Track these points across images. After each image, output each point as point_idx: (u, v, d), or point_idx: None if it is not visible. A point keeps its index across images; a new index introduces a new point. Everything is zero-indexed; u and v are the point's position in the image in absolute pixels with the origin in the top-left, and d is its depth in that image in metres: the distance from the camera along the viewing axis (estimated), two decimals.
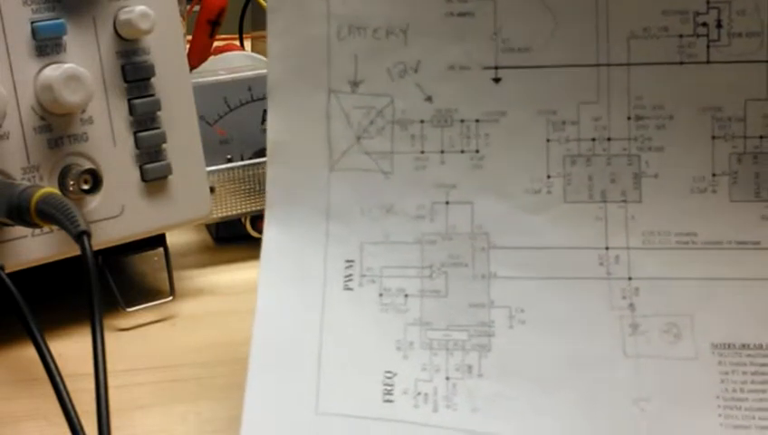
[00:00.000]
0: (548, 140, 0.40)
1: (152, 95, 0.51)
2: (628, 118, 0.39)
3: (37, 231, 0.48)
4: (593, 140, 0.40)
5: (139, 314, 0.53)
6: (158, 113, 0.52)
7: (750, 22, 0.38)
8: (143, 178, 0.51)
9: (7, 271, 0.44)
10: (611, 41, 0.39)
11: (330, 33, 0.40)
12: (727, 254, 0.39)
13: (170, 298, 0.54)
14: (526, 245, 0.40)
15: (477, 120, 0.40)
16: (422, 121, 0.40)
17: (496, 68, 0.40)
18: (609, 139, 0.39)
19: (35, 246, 0.48)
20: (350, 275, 0.40)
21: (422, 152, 0.40)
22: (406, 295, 0.40)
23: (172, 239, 0.56)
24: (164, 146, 0.52)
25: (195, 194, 0.53)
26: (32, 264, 0.49)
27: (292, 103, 0.41)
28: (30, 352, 0.39)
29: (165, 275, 0.55)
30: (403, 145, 0.40)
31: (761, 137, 0.39)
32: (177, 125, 0.52)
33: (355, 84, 0.40)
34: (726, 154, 0.39)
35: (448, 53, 0.40)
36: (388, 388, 0.38)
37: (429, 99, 0.40)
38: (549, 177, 0.40)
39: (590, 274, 0.39)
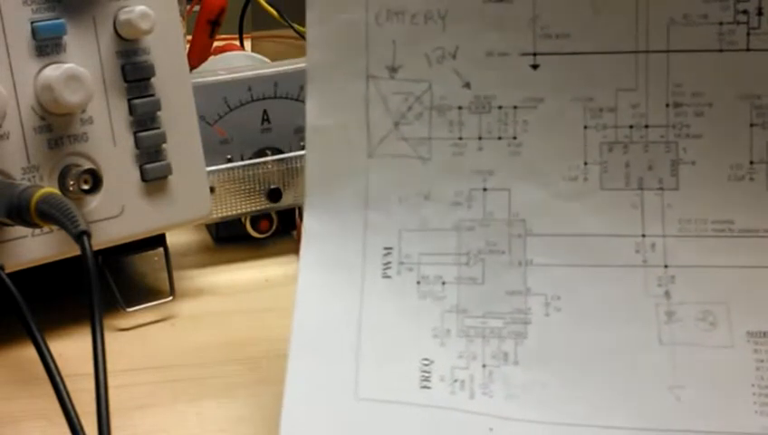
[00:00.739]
0: (585, 127, 0.40)
1: (152, 95, 0.51)
2: (667, 105, 0.39)
3: (37, 231, 0.48)
4: (631, 127, 0.40)
5: (139, 314, 0.53)
6: (158, 113, 0.52)
7: None
8: (143, 178, 0.51)
9: (7, 271, 0.44)
10: (651, 28, 0.39)
11: (368, 18, 0.40)
12: (764, 242, 0.39)
13: (170, 298, 0.54)
14: (563, 232, 0.40)
15: (515, 107, 0.40)
16: (460, 108, 0.40)
17: (534, 54, 0.40)
18: (646, 126, 0.40)
19: (35, 246, 0.48)
20: (389, 262, 0.40)
21: (460, 138, 0.41)
22: (443, 283, 0.40)
23: (172, 239, 0.56)
24: (164, 146, 0.52)
25: (195, 194, 0.53)
26: (32, 264, 0.49)
27: (331, 89, 0.41)
28: (30, 352, 0.39)
29: (165, 275, 0.55)
30: (441, 131, 0.41)
31: None
32: (177, 125, 0.52)
33: (393, 70, 0.40)
34: (765, 142, 0.39)
35: (486, 39, 0.40)
36: (426, 374, 0.38)
37: (467, 85, 0.40)
38: (586, 164, 0.40)
39: (626, 261, 0.39)
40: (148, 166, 0.51)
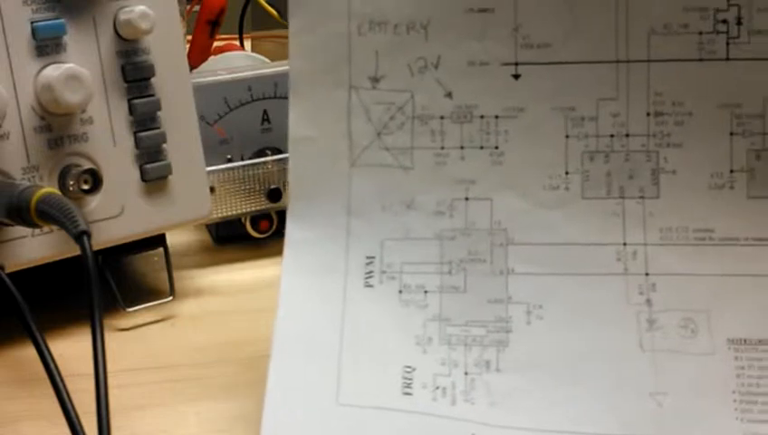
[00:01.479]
0: (567, 136, 0.40)
1: (152, 95, 0.51)
2: (648, 114, 0.40)
3: (37, 231, 0.48)
4: (612, 136, 0.40)
5: (139, 314, 0.53)
6: (158, 113, 0.52)
7: None
8: (143, 178, 0.51)
9: (7, 271, 0.44)
10: (631, 37, 0.39)
11: (350, 29, 0.41)
12: (744, 250, 0.39)
13: (170, 298, 0.54)
14: (544, 241, 0.40)
15: (497, 117, 0.40)
16: (442, 117, 0.41)
17: (516, 64, 0.40)
18: (627, 135, 0.40)
19: (35, 246, 0.48)
20: (371, 271, 0.40)
21: (442, 148, 0.41)
22: (425, 292, 0.40)
23: (172, 239, 0.56)
24: (164, 146, 0.52)
25: (195, 194, 0.53)
26: (32, 264, 0.49)
27: (314, 99, 0.41)
28: (30, 352, 0.39)
29: (165, 275, 0.55)
30: (423, 141, 0.41)
31: None
32: (177, 125, 0.52)
33: (376, 80, 0.41)
34: (744, 150, 0.39)
35: (468, 49, 0.40)
36: (408, 381, 0.38)
37: (449, 94, 0.40)
38: (567, 173, 0.40)
39: (607, 269, 0.39)
40: (148, 166, 0.51)
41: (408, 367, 0.39)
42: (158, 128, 0.52)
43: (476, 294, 0.40)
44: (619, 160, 0.40)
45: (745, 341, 0.38)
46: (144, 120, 0.51)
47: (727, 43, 0.39)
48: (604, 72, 0.40)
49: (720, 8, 0.39)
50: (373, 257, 0.40)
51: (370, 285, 0.40)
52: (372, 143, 0.41)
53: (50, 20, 0.48)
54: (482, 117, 0.40)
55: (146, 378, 0.47)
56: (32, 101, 0.48)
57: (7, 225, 0.47)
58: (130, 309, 0.53)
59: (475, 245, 0.40)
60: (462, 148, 0.40)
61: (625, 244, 0.39)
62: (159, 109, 0.52)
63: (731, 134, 0.39)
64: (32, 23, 0.48)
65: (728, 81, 0.39)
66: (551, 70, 0.40)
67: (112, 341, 0.49)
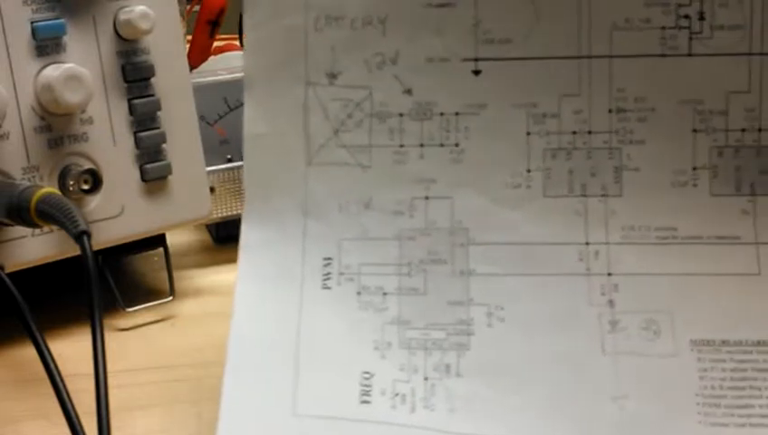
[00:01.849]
0: (528, 134, 0.39)
1: (152, 95, 0.51)
2: (610, 111, 0.39)
3: (37, 231, 0.48)
4: (574, 133, 0.39)
5: (139, 314, 0.53)
6: (158, 113, 0.52)
7: (732, 14, 0.38)
8: (143, 178, 0.51)
9: (7, 271, 0.44)
10: (593, 33, 0.39)
11: (307, 23, 0.40)
12: (707, 249, 0.38)
13: (170, 298, 0.54)
14: (506, 240, 0.39)
15: (457, 114, 0.40)
16: (401, 114, 0.40)
17: (476, 60, 0.40)
18: (589, 132, 0.39)
19: (35, 246, 0.48)
20: (329, 273, 0.39)
21: (401, 146, 0.40)
22: (384, 294, 0.39)
23: (172, 239, 0.56)
24: (164, 146, 0.52)
25: (195, 194, 0.53)
26: (32, 264, 0.49)
27: (269, 96, 0.40)
28: (30, 352, 0.39)
29: (165, 275, 0.55)
30: (381, 138, 0.40)
31: (742, 130, 0.39)
32: (177, 125, 0.52)
33: (333, 76, 0.40)
34: (707, 147, 0.39)
35: (427, 45, 0.40)
36: (366, 389, 0.38)
37: (408, 91, 0.40)
38: (529, 171, 0.39)
39: (569, 269, 0.39)
40: (148, 166, 0.51)
41: (367, 373, 0.38)
42: (158, 128, 0.52)
43: (437, 296, 0.39)
44: (581, 158, 0.39)
45: (708, 342, 0.37)
46: (144, 120, 0.51)
47: (690, 39, 0.38)
48: (566, 67, 0.39)
49: (682, 3, 0.38)
50: (330, 259, 0.39)
51: (328, 287, 0.39)
52: (329, 141, 0.40)
53: (50, 20, 0.48)
54: (442, 114, 0.40)
55: (146, 378, 0.47)
56: (32, 101, 0.48)
57: (7, 225, 0.47)
58: (130, 309, 0.53)
59: (436, 245, 0.39)
60: (421, 146, 0.40)
61: (587, 243, 0.39)
62: (159, 109, 0.52)
63: (694, 131, 0.39)
64: (32, 23, 0.48)
65: (691, 76, 0.38)
66: (512, 66, 0.39)
67: (112, 341, 0.49)
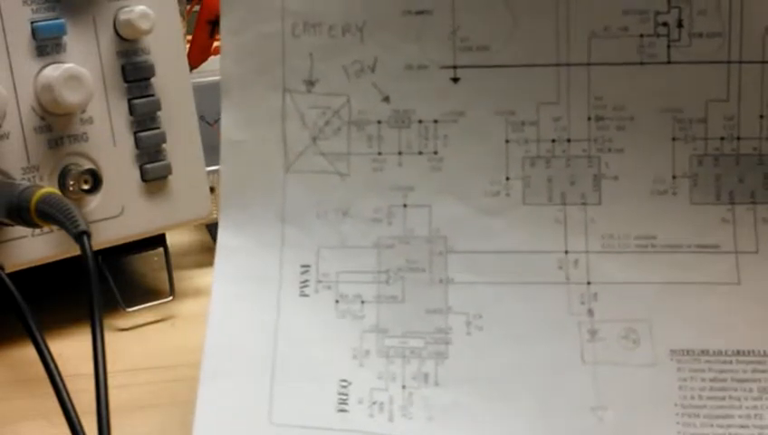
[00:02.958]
0: (507, 141, 0.39)
1: (152, 95, 0.51)
2: (589, 118, 0.39)
3: (37, 231, 0.48)
4: (553, 141, 0.39)
5: (139, 314, 0.53)
6: (158, 113, 0.52)
7: (711, 22, 0.38)
8: (143, 178, 0.51)
9: (7, 271, 0.44)
10: (571, 40, 0.38)
11: (284, 30, 0.39)
12: (687, 257, 0.38)
13: (170, 298, 0.54)
14: (484, 249, 0.39)
15: (435, 121, 0.39)
16: (379, 122, 0.40)
17: (455, 67, 0.39)
18: (568, 140, 0.39)
19: (35, 246, 0.48)
20: (306, 280, 0.39)
21: (379, 154, 0.40)
22: (362, 302, 0.39)
23: (172, 239, 0.56)
24: (164, 146, 0.52)
25: (195, 194, 0.53)
26: (32, 264, 0.49)
27: (247, 103, 0.40)
28: (30, 352, 0.39)
29: (165, 275, 0.55)
30: (360, 146, 0.40)
31: (721, 139, 0.38)
32: (177, 125, 0.52)
33: (311, 83, 0.40)
34: (687, 156, 0.38)
35: (406, 52, 0.39)
36: (343, 397, 0.37)
37: (386, 99, 0.39)
38: (508, 179, 0.39)
39: (549, 278, 0.38)
40: (148, 166, 0.51)
41: (344, 381, 0.37)
42: (158, 128, 0.52)
43: (415, 305, 0.39)
44: (560, 166, 0.39)
45: (688, 352, 0.37)
46: (144, 120, 0.51)
47: (668, 47, 0.38)
48: (545, 75, 0.39)
49: (660, 11, 0.38)
50: (308, 266, 0.39)
51: (306, 295, 0.39)
52: (307, 148, 0.40)
53: (50, 20, 0.48)
54: (420, 121, 0.39)
55: (146, 378, 0.47)
56: (32, 101, 0.48)
57: (7, 225, 0.46)
58: (130, 309, 0.53)
59: (414, 253, 0.39)
60: (400, 153, 0.40)
61: (567, 251, 0.38)
62: (159, 109, 0.52)
63: (673, 139, 0.38)
64: (32, 23, 0.48)
65: (670, 84, 0.38)
66: (490, 73, 0.39)
67: (112, 341, 0.49)
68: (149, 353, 0.49)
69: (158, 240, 0.54)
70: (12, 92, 0.47)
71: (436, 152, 0.39)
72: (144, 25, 0.50)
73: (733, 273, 0.38)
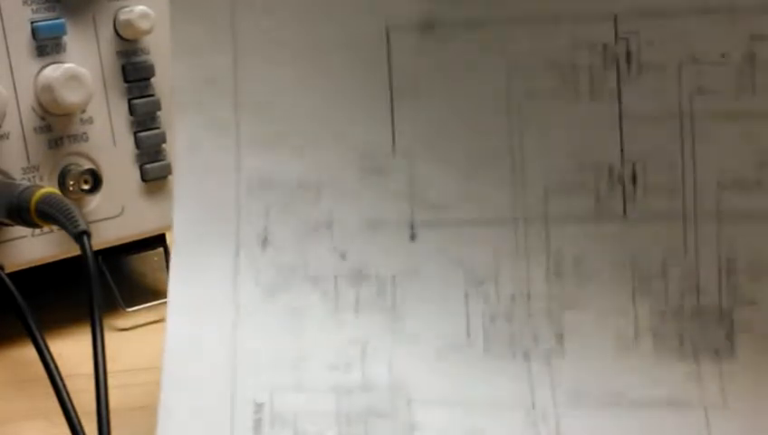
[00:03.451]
0: (467, 296, 0.38)
1: (152, 95, 0.51)
2: (548, 274, 0.38)
3: (37, 231, 0.48)
4: (513, 297, 0.38)
5: (139, 313, 0.53)
6: (158, 113, 0.52)
7: (665, 177, 0.37)
8: (143, 178, 0.51)
9: (7, 271, 0.44)
10: (528, 196, 0.38)
11: (239, 186, 0.38)
12: (655, 412, 0.37)
13: None
14: (449, 401, 0.38)
15: (393, 277, 0.38)
16: (336, 277, 0.38)
17: (412, 225, 0.38)
18: (529, 296, 0.38)
19: (35, 246, 0.48)
20: (260, 419, 0.37)
21: (336, 309, 0.38)
22: None
23: (172, 239, 0.56)
24: (164, 146, 0.52)
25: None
26: (32, 264, 0.49)
27: (198, 259, 0.38)
28: (30, 352, 0.39)
29: (165, 275, 0.55)
30: (315, 303, 0.38)
31: (682, 293, 0.37)
32: None
33: (265, 241, 0.38)
34: (648, 311, 0.37)
35: (363, 210, 0.38)
36: None
37: (343, 255, 0.38)
38: (468, 335, 0.38)
39: (516, 433, 0.37)
40: (148, 166, 0.51)
41: None
42: (158, 128, 0.52)
43: None
44: (521, 322, 0.38)
45: None
46: (144, 120, 0.51)
47: (624, 202, 0.37)
48: (503, 231, 0.38)
49: (614, 166, 0.37)
50: (262, 404, 0.37)
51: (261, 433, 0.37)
52: (260, 307, 0.38)
53: (50, 20, 0.48)
54: (377, 278, 0.38)
55: (146, 378, 0.47)
56: (32, 101, 0.48)
57: (7, 225, 0.47)
58: (130, 309, 0.53)
59: (376, 401, 0.37)
60: (357, 310, 0.38)
61: (534, 406, 0.37)
62: (159, 109, 0.52)
63: (633, 294, 0.37)
64: (32, 23, 0.48)
65: (627, 240, 0.37)
66: (447, 230, 0.38)
67: (112, 341, 0.49)
68: (149, 353, 0.49)
69: (158, 240, 0.54)
70: (12, 92, 0.47)
71: (394, 308, 0.38)
72: (144, 25, 0.50)
73: (702, 428, 0.37)
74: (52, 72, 0.47)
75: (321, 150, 0.38)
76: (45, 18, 0.48)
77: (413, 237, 0.38)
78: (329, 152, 0.38)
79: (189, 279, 0.39)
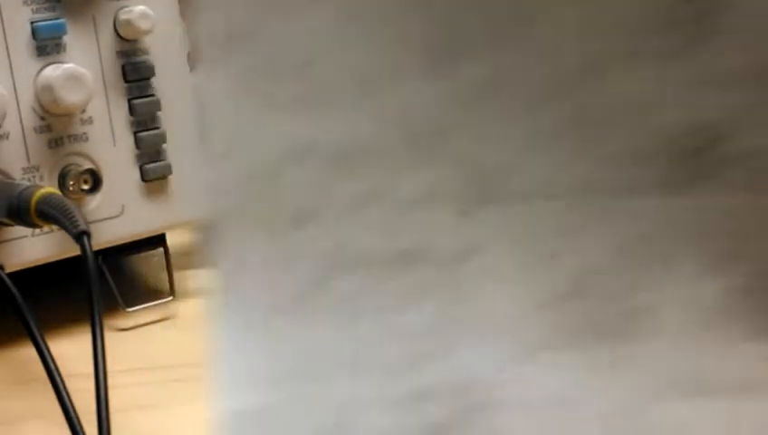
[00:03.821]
0: (532, 275, 0.35)
1: (152, 95, 0.51)
2: (615, 250, 0.35)
3: (37, 231, 0.48)
4: (579, 274, 0.34)
5: (138, 313, 0.53)
6: (158, 113, 0.52)
7: (743, 149, 0.34)
8: (143, 178, 0.51)
9: (7, 271, 0.44)
10: (593, 167, 0.35)
11: (273, 154, 0.35)
12: (730, 397, 0.34)
13: (170, 298, 0.54)
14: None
15: (452, 256, 0.35)
16: (386, 258, 0.35)
17: (470, 200, 0.35)
18: (597, 273, 0.35)
19: (35, 246, 0.48)
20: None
21: (389, 295, 0.35)
22: None
23: (172, 239, 0.56)
24: (164, 146, 0.52)
25: (195, 194, 0.53)
26: (32, 264, 0.49)
27: (235, 237, 0.35)
28: (30, 352, 0.39)
29: (165, 275, 0.55)
30: (366, 289, 0.35)
31: (755, 272, 0.35)
32: (177, 125, 0.52)
33: (304, 218, 0.34)
34: (721, 288, 0.35)
35: (415, 183, 0.35)
36: None
37: (394, 234, 0.34)
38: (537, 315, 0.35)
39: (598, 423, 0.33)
40: (148, 166, 0.51)
41: None
42: (158, 128, 0.52)
43: None
44: (591, 302, 0.35)
45: None
46: (144, 121, 0.51)
47: (694, 174, 0.34)
48: (566, 204, 0.35)
49: (686, 134, 0.34)
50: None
51: None
52: (303, 298, 0.35)
53: (50, 20, 0.48)
54: (434, 258, 0.34)
55: (146, 378, 0.47)
56: (32, 101, 0.48)
57: (7, 225, 0.47)
58: (130, 309, 0.53)
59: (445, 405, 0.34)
60: (414, 295, 0.35)
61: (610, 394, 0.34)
62: (159, 109, 0.52)
63: (703, 272, 0.35)
64: (32, 23, 0.48)
65: (698, 213, 0.34)
66: (509, 204, 0.35)
67: (112, 341, 0.49)
68: (149, 353, 0.49)
69: (158, 240, 0.54)
70: (12, 92, 0.47)
71: (457, 289, 0.35)
72: (144, 25, 0.50)
73: None
74: (52, 71, 0.47)
75: (364, 114, 0.35)
76: (45, 18, 0.48)
77: (469, 213, 0.35)
78: (374, 117, 0.35)
79: (227, 268, 0.36)
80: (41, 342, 0.39)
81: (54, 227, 0.44)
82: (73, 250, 0.44)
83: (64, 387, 0.37)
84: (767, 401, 0.34)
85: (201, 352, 0.49)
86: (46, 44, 0.48)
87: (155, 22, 0.50)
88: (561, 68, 0.35)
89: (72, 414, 0.36)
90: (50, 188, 0.45)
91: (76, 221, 0.41)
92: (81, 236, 0.40)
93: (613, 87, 0.35)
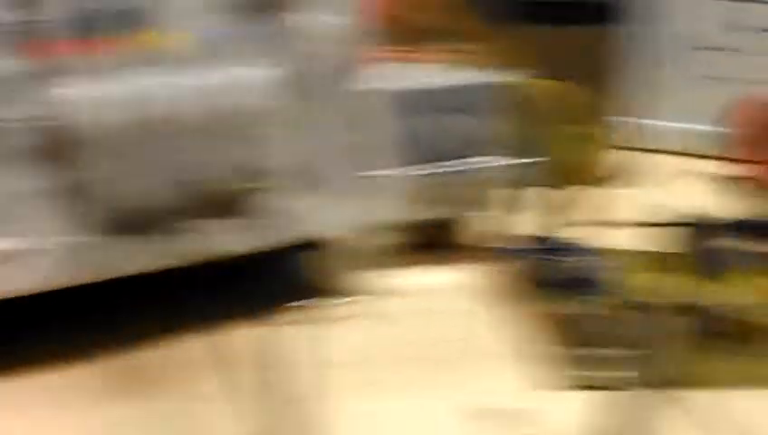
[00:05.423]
0: None
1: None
2: None
3: (229, 225, 0.49)
4: None
5: (337, 309, 0.54)
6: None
7: None
8: (349, 180, 0.52)
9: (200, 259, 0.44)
10: None
11: None
12: None
13: (369, 296, 0.55)
14: None
15: None
16: None
17: None
18: None
19: (229, 240, 0.49)
20: None
21: None
22: None
23: (374, 240, 0.56)
24: (368, 151, 0.52)
25: (390, 197, 0.54)
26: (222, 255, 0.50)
27: None
28: (233, 336, 0.40)
29: (361, 273, 0.55)
30: None
31: None
32: (374, 130, 0.53)
33: None
34: None
35: None
36: None
37: None
38: None
39: None
40: (355, 168, 0.52)
41: None
42: (372, 131, 0.52)
43: None
44: None
45: None
46: (357, 124, 0.52)
47: None
48: None
49: None
50: None
51: None
52: None
53: None
54: None
55: (344, 371, 0.47)
56: None
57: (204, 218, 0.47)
58: (325, 304, 0.53)
59: None
60: None
61: None
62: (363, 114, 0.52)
63: None
64: None
65: None
66: None
67: (319, 333, 0.50)
68: (349, 348, 0.50)
69: (346, 240, 0.55)
70: None
71: None
72: None
73: None
74: None
75: None
76: None
77: None
78: None
79: None
80: (245, 327, 0.40)
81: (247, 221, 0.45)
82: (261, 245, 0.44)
83: (258, 372, 0.38)
84: None
85: (399, 350, 0.49)
86: None
87: None
88: None
89: (257, 398, 0.36)
90: None
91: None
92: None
93: None
